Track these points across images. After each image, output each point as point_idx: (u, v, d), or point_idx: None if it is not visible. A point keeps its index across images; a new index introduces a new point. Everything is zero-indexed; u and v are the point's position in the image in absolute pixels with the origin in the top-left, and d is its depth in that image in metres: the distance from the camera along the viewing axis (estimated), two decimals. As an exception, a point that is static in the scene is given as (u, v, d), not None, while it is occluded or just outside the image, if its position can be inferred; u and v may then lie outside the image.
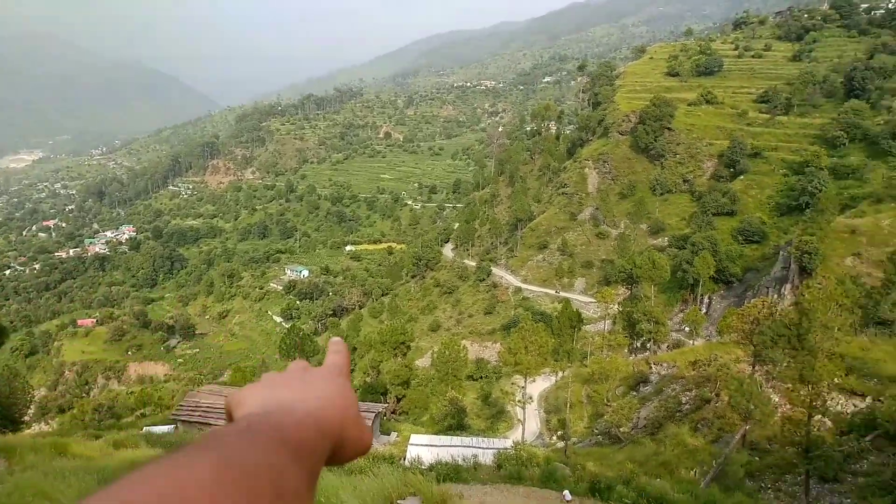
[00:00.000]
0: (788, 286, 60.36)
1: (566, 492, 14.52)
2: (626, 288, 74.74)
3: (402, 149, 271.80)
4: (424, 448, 27.63)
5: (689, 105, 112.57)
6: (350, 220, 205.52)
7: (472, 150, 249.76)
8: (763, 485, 35.47)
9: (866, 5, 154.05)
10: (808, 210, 72.89)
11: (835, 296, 42.97)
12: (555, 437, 50.77)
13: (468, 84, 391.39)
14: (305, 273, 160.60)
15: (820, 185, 76.53)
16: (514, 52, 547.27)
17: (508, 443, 41.91)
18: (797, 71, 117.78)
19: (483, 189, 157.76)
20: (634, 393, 51.70)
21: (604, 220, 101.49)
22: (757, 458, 37.48)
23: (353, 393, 0.91)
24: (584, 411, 53.06)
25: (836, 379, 38.65)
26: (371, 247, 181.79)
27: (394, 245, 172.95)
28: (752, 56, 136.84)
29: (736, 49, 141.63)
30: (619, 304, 68.97)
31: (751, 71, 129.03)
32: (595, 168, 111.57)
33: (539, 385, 58.59)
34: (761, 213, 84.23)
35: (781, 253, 65.60)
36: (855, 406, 39.94)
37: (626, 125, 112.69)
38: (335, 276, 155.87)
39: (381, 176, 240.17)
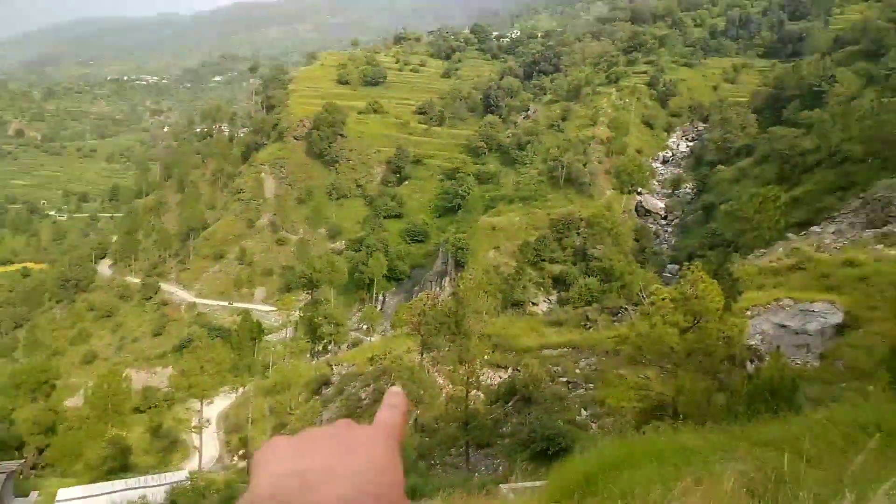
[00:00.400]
0: (448, 279, 67.81)
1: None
2: (307, 293, 75.49)
3: (39, 149, 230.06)
4: (78, 502, 24.16)
5: (359, 113, 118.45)
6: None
7: (133, 151, 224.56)
8: (433, 462, 39.00)
9: (497, 33, 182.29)
10: (459, 211, 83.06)
11: (482, 284, 49.57)
12: (236, 458, 48.47)
13: (126, 78, 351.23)
14: None
15: (468, 189, 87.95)
16: (181, 47, 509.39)
17: (183, 474, 38.64)
18: (447, 87, 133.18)
19: (147, 196, 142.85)
20: (317, 397, 52.12)
21: (283, 227, 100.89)
22: (427, 439, 41.07)
23: (401, 466, 0.71)
24: (268, 424, 51.78)
25: (485, 356, 44.60)
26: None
27: (31, 265, 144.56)
28: (411, 70, 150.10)
29: (397, 62, 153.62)
30: (300, 309, 69.20)
31: (410, 84, 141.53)
32: (272, 173, 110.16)
33: (218, 405, 55.35)
34: (424, 215, 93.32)
35: (440, 250, 73.50)
36: (500, 377, 46.55)
37: (300, 130, 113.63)
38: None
39: (12, 181, 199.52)
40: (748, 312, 33.33)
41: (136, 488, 32.26)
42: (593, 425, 34.63)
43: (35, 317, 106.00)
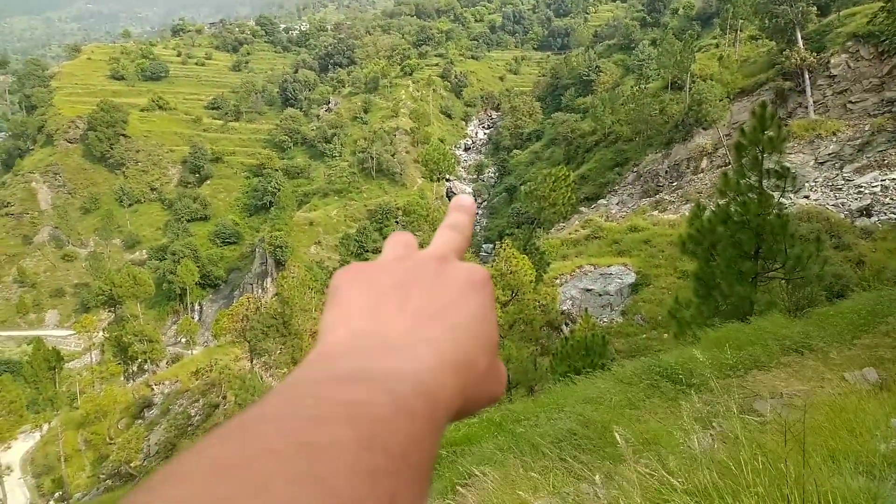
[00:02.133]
0: (269, 279, 66.02)
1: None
2: (110, 311, 68.29)
3: None
4: None
5: (142, 111, 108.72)
6: None
7: None
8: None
9: (284, 25, 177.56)
10: (272, 208, 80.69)
11: (306, 281, 49.36)
12: (52, 502, 43.32)
13: None
14: None
15: (277, 185, 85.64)
16: None
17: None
18: (239, 80, 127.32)
19: None
20: (140, 421, 48.31)
21: (69, 240, 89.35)
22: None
23: (494, 307, 0.54)
24: (85, 459, 46.69)
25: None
26: None
27: None
28: (196, 64, 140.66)
29: (179, 56, 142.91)
30: (104, 330, 62.49)
31: (197, 78, 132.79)
32: (45, 182, 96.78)
33: (19, 448, 48.46)
34: (233, 215, 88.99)
35: (257, 250, 71.07)
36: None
37: (73, 132, 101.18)
38: None
39: None
40: (557, 281, 37.59)
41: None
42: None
43: None
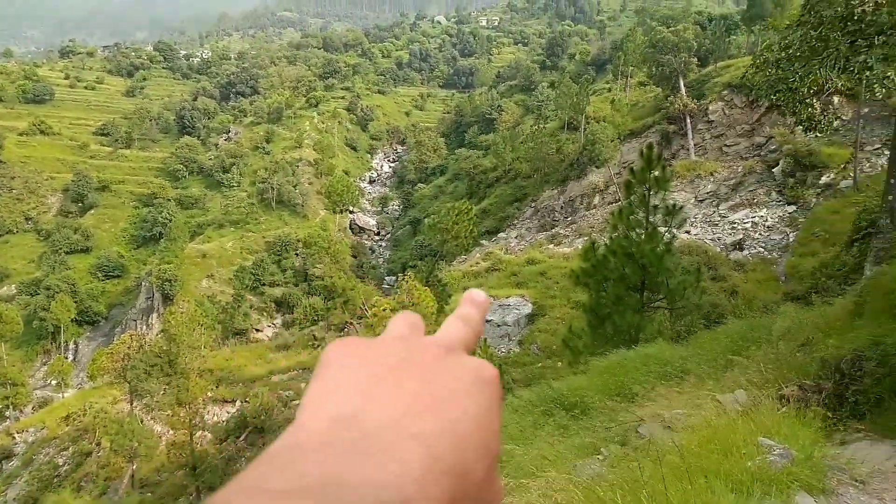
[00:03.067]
0: (155, 315, 61.79)
1: None
2: (-34, 352, 61.32)
3: None
4: None
5: (20, 135, 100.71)
6: None
7: None
8: (163, 520, 35.60)
9: (185, 52, 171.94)
10: (162, 240, 76.18)
11: (196, 317, 46.54)
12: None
13: None
14: None
15: (169, 216, 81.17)
16: None
17: None
18: (132, 106, 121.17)
19: None
20: (-3, 475, 43.40)
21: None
22: (149, 494, 37.32)
23: (499, 425, 0.46)
24: (-73, 522, 41.12)
25: (208, 393, 42.23)
26: None
27: None
28: (86, 87, 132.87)
29: (67, 78, 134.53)
30: (-43, 373, 55.90)
31: (86, 102, 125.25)
32: None
33: None
34: (118, 247, 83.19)
35: (143, 284, 66.58)
36: (228, 412, 44.48)
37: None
38: None
39: None
40: (458, 312, 37.54)
41: None
42: (331, 442, 35.41)
43: None
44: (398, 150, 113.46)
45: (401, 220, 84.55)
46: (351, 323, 51.48)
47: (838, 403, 6.71)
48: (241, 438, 39.96)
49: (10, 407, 50.43)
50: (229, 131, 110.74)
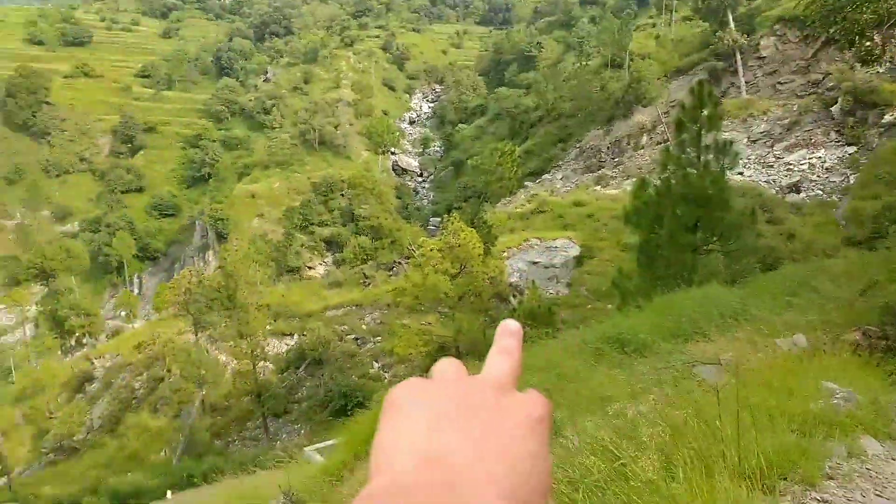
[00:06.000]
0: (211, 252, 64.69)
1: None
2: (42, 284, 65.44)
3: None
4: None
5: (65, 77, 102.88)
6: None
7: None
8: (230, 439, 38.72)
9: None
10: (211, 180, 78.55)
11: (250, 254, 48.79)
12: (-8, 478, 41.99)
13: None
14: None
15: (215, 157, 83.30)
16: None
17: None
18: (170, 48, 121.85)
19: None
20: (81, 395, 47.25)
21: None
22: (219, 418, 40.29)
23: (550, 459, 0.53)
24: (25, 433, 45.38)
25: (267, 326, 44.62)
26: None
27: None
28: (122, 29, 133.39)
29: (103, 21, 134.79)
30: (37, 304, 60.12)
31: (124, 44, 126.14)
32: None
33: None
34: (170, 187, 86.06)
35: (197, 223, 69.40)
36: (287, 345, 47.01)
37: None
38: None
39: None
40: (505, 254, 38.75)
41: None
42: (386, 375, 37.58)
43: None
44: (436, 90, 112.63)
45: (443, 161, 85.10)
46: (399, 262, 53.22)
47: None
48: (301, 369, 42.27)
49: (87, 335, 54.24)
50: (267, 72, 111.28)
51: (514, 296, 35.37)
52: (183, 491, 28.49)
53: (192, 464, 33.89)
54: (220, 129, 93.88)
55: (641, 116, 52.28)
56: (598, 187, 45.53)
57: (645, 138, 50.86)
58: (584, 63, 70.83)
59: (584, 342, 9.43)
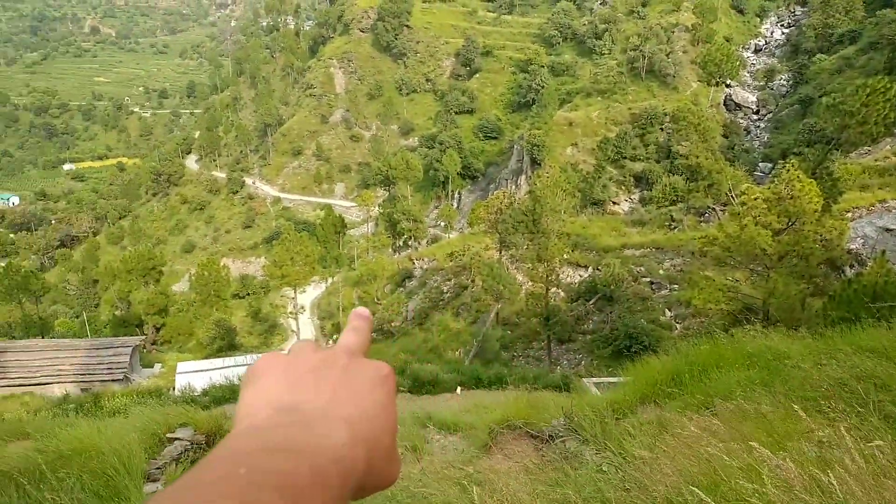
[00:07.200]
0: (524, 177, 67.62)
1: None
2: (385, 189, 77.09)
3: (116, 46, 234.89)
4: (194, 374, 26.07)
5: (424, 2, 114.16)
6: (63, 134, 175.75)
7: (204, 47, 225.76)
8: (515, 353, 41.07)
9: None
10: (534, 106, 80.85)
11: (559, 183, 49.38)
12: (331, 342, 52.30)
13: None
14: (15, 200, 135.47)
15: (542, 83, 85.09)
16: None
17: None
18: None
19: (223, 92, 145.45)
20: (401, 289, 54.82)
21: (356, 123, 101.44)
22: (509, 332, 42.97)
23: (396, 411, 0.66)
24: (357, 312, 55.15)
25: (564, 255, 45.32)
26: (97, 164, 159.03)
27: (125, 160, 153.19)
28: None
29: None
30: (379, 206, 71.08)
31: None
32: (341, 67, 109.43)
33: (310, 294, 59.12)
34: (496, 111, 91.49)
35: (515, 147, 72.68)
36: (580, 276, 47.42)
37: (365, 21, 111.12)
38: (55, 202, 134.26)
39: (96, 79, 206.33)
40: (849, 214, 32.45)
41: (242, 365, 35.40)
42: (678, 326, 35.40)
43: (135, 208, 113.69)
44: (796, 13, 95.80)
45: (788, 97, 73.21)
46: (713, 209, 48.74)
47: None
48: (591, 302, 42.36)
49: (413, 238, 62.35)
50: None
51: (852, 265, 29.97)
52: (471, 390, 31.56)
53: (481, 368, 37.08)
54: (550, 55, 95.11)
55: None
56: None
57: None
58: None
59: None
